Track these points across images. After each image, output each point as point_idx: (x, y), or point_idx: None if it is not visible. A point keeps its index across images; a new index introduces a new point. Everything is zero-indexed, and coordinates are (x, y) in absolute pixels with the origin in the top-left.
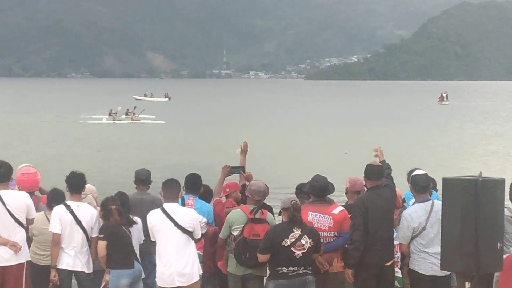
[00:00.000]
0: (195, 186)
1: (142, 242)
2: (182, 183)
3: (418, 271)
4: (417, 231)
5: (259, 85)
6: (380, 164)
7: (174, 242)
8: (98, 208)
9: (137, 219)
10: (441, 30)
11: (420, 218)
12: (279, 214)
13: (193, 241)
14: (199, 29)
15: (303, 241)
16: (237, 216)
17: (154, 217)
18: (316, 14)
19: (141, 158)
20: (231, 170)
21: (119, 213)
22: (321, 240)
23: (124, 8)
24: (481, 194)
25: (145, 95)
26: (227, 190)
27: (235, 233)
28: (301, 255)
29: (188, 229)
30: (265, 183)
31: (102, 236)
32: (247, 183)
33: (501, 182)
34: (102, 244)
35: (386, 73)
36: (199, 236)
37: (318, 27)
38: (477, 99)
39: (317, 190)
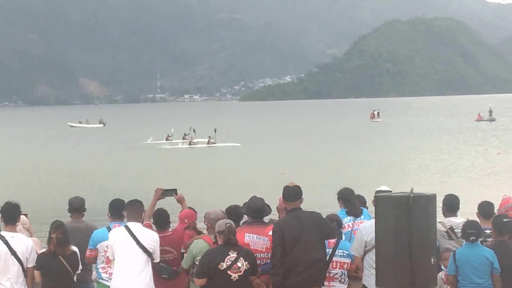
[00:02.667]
0: (119, 211)
1: (79, 271)
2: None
3: (368, 287)
4: (369, 245)
5: (194, 108)
6: (297, 185)
7: (134, 261)
8: (34, 238)
9: (74, 248)
10: (372, 48)
11: (373, 233)
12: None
13: (150, 263)
14: (131, 53)
15: (239, 264)
16: (201, 246)
17: (117, 234)
18: (248, 36)
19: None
20: (163, 193)
21: (58, 242)
22: (258, 262)
23: (55, 35)
24: (413, 210)
25: (80, 122)
26: (186, 221)
27: None
28: (237, 278)
29: (149, 249)
30: (221, 210)
31: (35, 265)
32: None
33: (433, 197)
34: (36, 273)
35: (319, 92)
36: (158, 259)
37: (250, 49)
38: (409, 115)
39: (254, 212)
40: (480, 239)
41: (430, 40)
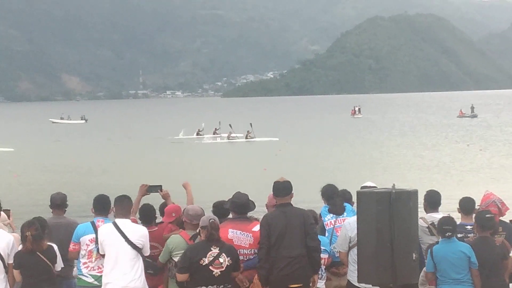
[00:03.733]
0: (103, 207)
1: (59, 269)
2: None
3: (353, 282)
4: (354, 241)
5: (176, 104)
6: (287, 180)
7: (123, 257)
8: (15, 234)
9: (53, 245)
10: (354, 45)
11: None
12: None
13: (141, 258)
14: (113, 50)
15: (221, 260)
16: (177, 242)
17: (106, 231)
18: (230, 32)
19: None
20: (149, 189)
21: (34, 239)
22: (242, 257)
23: (37, 31)
24: (395, 206)
25: (62, 118)
26: (173, 215)
27: (175, 259)
28: (219, 273)
29: (138, 245)
30: (200, 207)
31: (14, 265)
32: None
33: (414, 193)
34: (15, 272)
35: (302, 88)
36: (148, 253)
37: (233, 45)
38: (391, 112)
39: (238, 208)
40: (460, 235)
41: (412, 36)
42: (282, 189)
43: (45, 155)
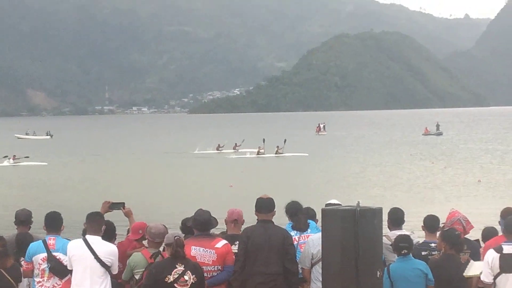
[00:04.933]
0: (54, 224)
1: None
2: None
3: None
4: (316, 258)
5: (143, 120)
6: (270, 197)
7: (91, 274)
8: None
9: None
10: (320, 62)
11: (320, 246)
12: (164, 250)
13: (109, 276)
14: (79, 65)
15: (186, 277)
16: (138, 260)
17: (75, 246)
18: (197, 48)
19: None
20: (111, 206)
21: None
22: (205, 274)
23: (2, 45)
24: (359, 224)
25: (27, 134)
26: (140, 232)
27: (137, 277)
28: None
29: (107, 263)
30: (163, 225)
31: None
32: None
33: (379, 211)
34: None
35: (268, 105)
36: (116, 271)
37: (199, 61)
38: (356, 129)
39: (200, 225)
40: (424, 253)
41: (378, 54)
42: (265, 206)
43: (11, 170)
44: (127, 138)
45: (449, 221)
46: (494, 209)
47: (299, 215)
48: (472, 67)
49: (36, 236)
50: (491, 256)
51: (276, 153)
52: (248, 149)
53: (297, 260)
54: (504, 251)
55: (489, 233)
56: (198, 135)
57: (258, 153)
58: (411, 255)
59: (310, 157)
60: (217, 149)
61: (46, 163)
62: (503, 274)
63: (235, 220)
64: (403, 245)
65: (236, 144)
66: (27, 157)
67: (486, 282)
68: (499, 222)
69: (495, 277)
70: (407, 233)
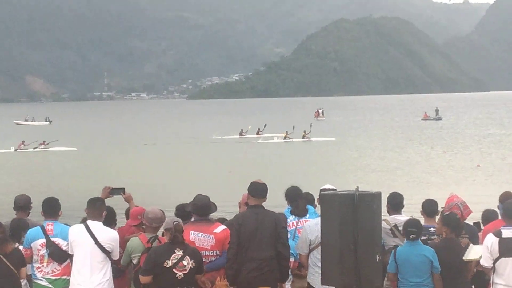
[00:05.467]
0: (52, 210)
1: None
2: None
3: (313, 285)
4: (314, 244)
5: (142, 106)
6: (264, 183)
7: (92, 259)
8: None
9: (16, 245)
10: (319, 47)
11: (318, 231)
12: (162, 234)
13: (109, 261)
14: (78, 52)
15: (184, 262)
16: (135, 244)
17: (76, 232)
18: (196, 34)
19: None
20: (112, 191)
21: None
22: (204, 259)
23: (1, 33)
24: (358, 208)
25: (26, 120)
26: (139, 217)
27: (134, 261)
28: (183, 276)
29: (107, 248)
30: (161, 209)
31: None
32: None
33: (378, 195)
34: None
35: (267, 91)
36: (117, 257)
37: (198, 47)
38: (355, 114)
39: (199, 210)
40: (423, 237)
41: (377, 39)
42: (259, 190)
43: (12, 156)
44: (144, 124)
45: (448, 206)
46: (493, 193)
47: (298, 200)
48: (471, 52)
49: (33, 222)
50: (491, 241)
51: (303, 138)
52: (272, 133)
53: (295, 246)
54: (503, 235)
55: (489, 215)
56: (218, 121)
57: (286, 137)
58: (420, 240)
59: (337, 141)
60: (241, 135)
61: (75, 148)
62: (503, 258)
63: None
64: (412, 229)
65: (259, 129)
66: (57, 140)
67: (486, 266)
68: (497, 206)
69: (495, 261)
70: (406, 217)
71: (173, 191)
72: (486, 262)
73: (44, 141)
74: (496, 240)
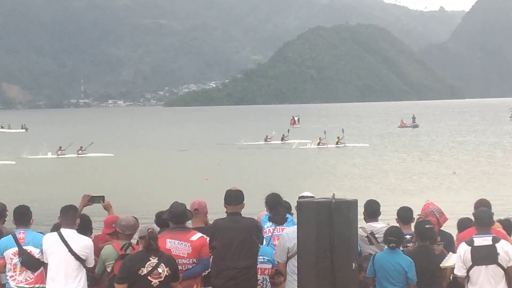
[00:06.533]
0: (23, 218)
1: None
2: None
3: None
4: (292, 251)
5: (118, 113)
6: (239, 189)
7: (65, 268)
8: None
9: None
10: (296, 54)
11: (296, 239)
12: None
13: (84, 269)
14: (55, 58)
15: (160, 270)
16: (109, 252)
17: (50, 240)
18: (172, 41)
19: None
20: (91, 199)
21: None
22: (180, 267)
23: None
24: (334, 216)
25: (2, 127)
26: (113, 226)
27: (108, 269)
28: (158, 283)
29: (81, 256)
30: (134, 216)
31: None
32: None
33: (354, 203)
34: None
35: (244, 98)
36: (92, 265)
37: (175, 54)
38: (331, 122)
39: (175, 217)
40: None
41: (354, 47)
42: (235, 198)
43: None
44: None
45: (423, 213)
46: (468, 200)
47: (278, 208)
48: (447, 59)
49: (7, 230)
50: (463, 249)
51: (336, 144)
52: (298, 140)
53: (273, 254)
54: (475, 244)
55: (465, 222)
56: (242, 126)
57: (319, 144)
58: (400, 249)
59: (370, 148)
60: (266, 141)
61: (112, 154)
62: (476, 266)
63: (195, 209)
64: (391, 238)
65: (283, 135)
66: (92, 143)
67: (459, 275)
68: (473, 213)
69: (468, 270)
70: (383, 225)
71: (159, 198)
72: (459, 272)
73: (81, 147)
74: (468, 248)
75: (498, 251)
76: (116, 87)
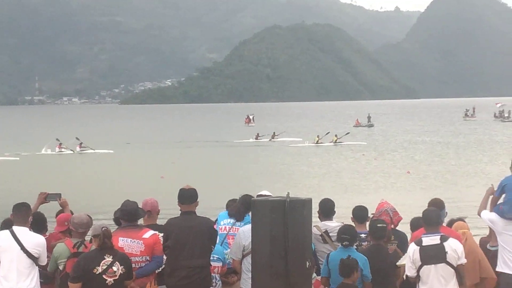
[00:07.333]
0: None
1: None
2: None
3: None
4: (247, 249)
5: (73, 111)
6: (193, 188)
7: (18, 265)
8: None
9: None
10: (252, 53)
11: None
12: (90, 241)
13: (37, 267)
14: (9, 55)
15: (114, 268)
16: (61, 250)
17: (1, 238)
18: (129, 39)
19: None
20: (48, 197)
21: None
22: (133, 265)
23: None
24: (289, 215)
25: None
26: (66, 224)
27: (60, 267)
28: (112, 282)
29: (34, 254)
30: (88, 214)
31: None
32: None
33: (308, 202)
34: None
35: (200, 96)
36: (45, 262)
37: (131, 52)
38: (286, 120)
39: (127, 215)
40: (355, 244)
41: (309, 46)
42: (188, 196)
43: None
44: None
45: (378, 212)
46: (422, 200)
47: (239, 206)
48: (402, 59)
49: None
50: (412, 249)
51: (334, 142)
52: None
53: (223, 252)
54: (424, 243)
55: (418, 222)
56: (198, 125)
57: (317, 142)
58: (354, 247)
59: (367, 145)
60: (256, 139)
61: (112, 151)
62: (425, 266)
63: (148, 211)
64: (344, 236)
65: (274, 133)
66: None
67: (410, 275)
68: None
69: (418, 270)
70: (337, 223)
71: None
72: (409, 272)
73: (81, 143)
74: (417, 248)
75: (446, 249)
76: (71, 85)
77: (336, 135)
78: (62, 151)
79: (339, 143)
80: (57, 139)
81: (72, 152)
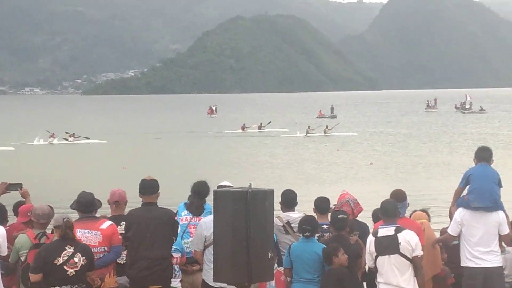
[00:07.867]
0: None
1: None
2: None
3: (207, 281)
4: (209, 240)
5: (35, 101)
6: (154, 179)
7: None
8: None
9: None
10: (215, 44)
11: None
12: (52, 232)
13: None
14: None
15: (76, 259)
16: (23, 241)
17: None
18: (91, 29)
19: None
20: (8, 187)
21: None
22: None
23: None
24: (251, 205)
25: None
26: (28, 214)
27: (22, 258)
28: (74, 273)
29: None
30: (49, 205)
31: None
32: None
33: (270, 192)
34: None
35: (163, 87)
36: (5, 253)
37: (94, 42)
38: (249, 111)
39: (83, 207)
40: (317, 234)
41: (273, 37)
42: (149, 187)
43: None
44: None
45: (339, 203)
46: (384, 191)
47: (194, 200)
48: (365, 51)
49: None
50: (369, 240)
51: (325, 133)
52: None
53: (190, 242)
54: (379, 234)
55: (378, 214)
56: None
57: (307, 133)
58: (315, 238)
59: (358, 135)
60: (243, 129)
61: (105, 141)
62: (380, 256)
63: (116, 201)
64: (306, 227)
65: (261, 124)
66: (87, 137)
67: (369, 266)
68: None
69: (375, 261)
70: (299, 214)
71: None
72: (368, 263)
73: (73, 134)
74: (373, 239)
75: (400, 241)
76: (33, 75)
77: (327, 126)
78: (52, 142)
79: (329, 134)
80: (47, 131)
81: (66, 141)
